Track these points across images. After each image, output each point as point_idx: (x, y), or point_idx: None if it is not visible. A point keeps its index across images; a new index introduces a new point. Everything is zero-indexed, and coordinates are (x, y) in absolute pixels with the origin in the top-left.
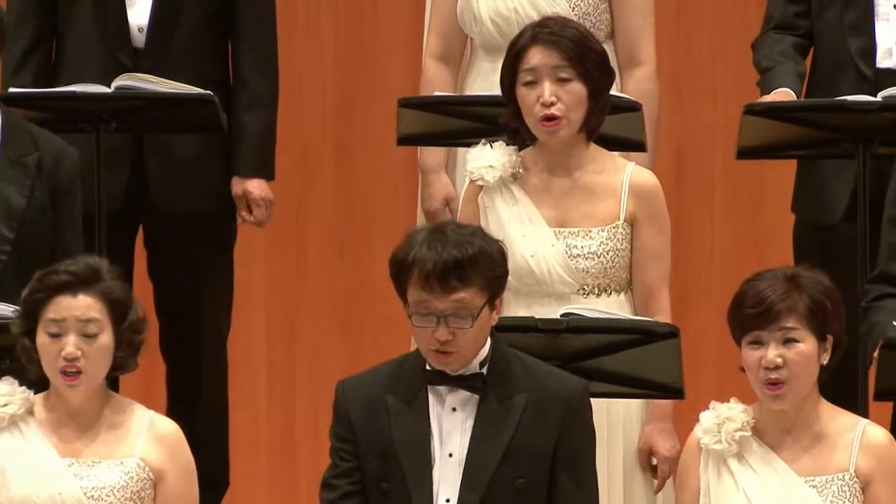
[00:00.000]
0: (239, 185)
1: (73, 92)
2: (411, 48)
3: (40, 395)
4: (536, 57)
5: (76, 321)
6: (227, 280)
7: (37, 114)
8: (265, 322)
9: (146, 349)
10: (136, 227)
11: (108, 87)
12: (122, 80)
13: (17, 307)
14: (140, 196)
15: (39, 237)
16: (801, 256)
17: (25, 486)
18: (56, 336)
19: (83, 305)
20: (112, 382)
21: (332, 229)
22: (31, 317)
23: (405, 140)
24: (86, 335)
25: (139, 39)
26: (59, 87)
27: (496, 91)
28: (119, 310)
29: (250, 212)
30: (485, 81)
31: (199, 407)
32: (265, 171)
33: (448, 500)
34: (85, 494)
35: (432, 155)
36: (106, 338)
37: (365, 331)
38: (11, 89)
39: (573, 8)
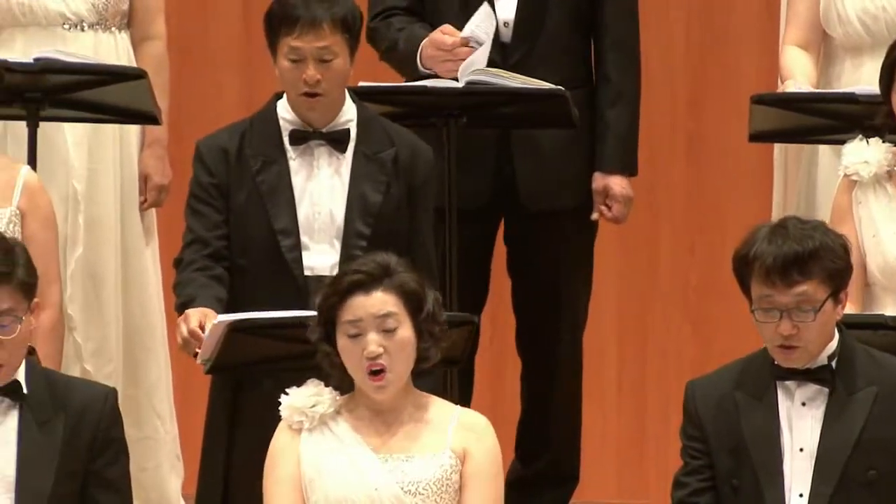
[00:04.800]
0: (600, 181)
1: (424, 86)
2: (765, 42)
3: (345, 398)
4: None
5: (373, 318)
6: (588, 276)
7: (389, 108)
8: (617, 317)
9: (494, 344)
10: (498, 222)
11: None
12: (473, 76)
13: None
14: (506, 192)
15: (394, 233)
16: None
17: (342, 483)
18: (356, 336)
19: (378, 302)
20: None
21: (683, 225)
22: (328, 322)
23: (757, 137)
24: (385, 331)
25: (505, 34)
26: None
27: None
28: (414, 302)
29: (609, 208)
30: (848, 80)
31: (553, 403)
32: (628, 167)
33: (801, 495)
34: (402, 489)
35: None
36: (405, 331)
37: (716, 328)
38: (362, 83)
39: None
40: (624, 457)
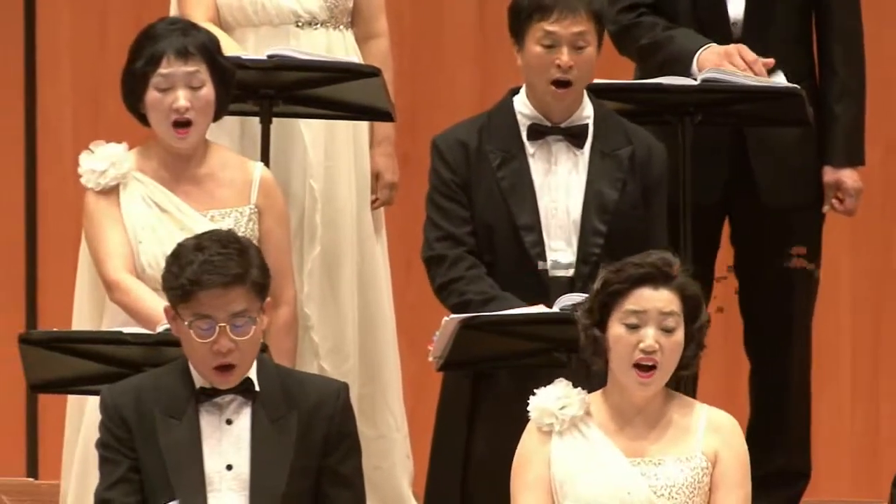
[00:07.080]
0: (832, 175)
1: (660, 83)
2: None
3: (597, 393)
4: None
5: (658, 313)
6: (817, 271)
7: (623, 105)
8: (851, 316)
9: (729, 347)
10: (723, 221)
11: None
12: (709, 73)
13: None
14: (740, 190)
15: (630, 231)
16: None
17: (593, 487)
18: (633, 327)
19: (665, 298)
20: (691, 382)
21: None
22: (605, 308)
23: None
24: (665, 329)
25: (735, 33)
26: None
27: None
28: (693, 307)
29: (840, 201)
30: None
31: (785, 401)
32: (857, 159)
33: None
34: (654, 493)
35: None
36: (680, 334)
37: None
38: (598, 80)
39: None
40: (858, 455)
